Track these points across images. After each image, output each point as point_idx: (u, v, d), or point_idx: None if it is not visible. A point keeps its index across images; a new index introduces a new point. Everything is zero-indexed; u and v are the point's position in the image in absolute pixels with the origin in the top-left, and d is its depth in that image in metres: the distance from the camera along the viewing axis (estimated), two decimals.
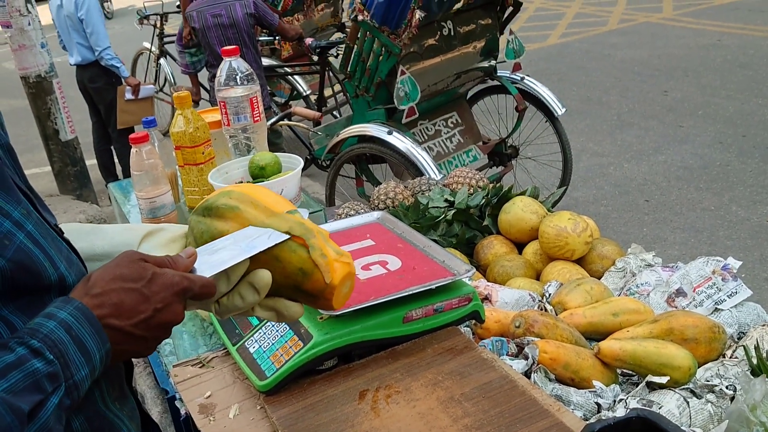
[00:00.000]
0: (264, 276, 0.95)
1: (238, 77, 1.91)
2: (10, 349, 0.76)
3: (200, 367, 1.56)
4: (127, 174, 6.20)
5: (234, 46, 1.91)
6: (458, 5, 4.30)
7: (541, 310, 1.88)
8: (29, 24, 5.49)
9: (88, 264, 1.08)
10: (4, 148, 0.93)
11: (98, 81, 5.84)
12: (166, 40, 7.33)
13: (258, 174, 1.87)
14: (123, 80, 5.90)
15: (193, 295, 0.90)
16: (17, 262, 0.83)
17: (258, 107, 1.94)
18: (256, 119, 1.95)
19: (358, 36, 4.29)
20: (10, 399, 0.72)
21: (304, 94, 6.33)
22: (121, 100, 5.86)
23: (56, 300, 0.83)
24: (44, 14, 5.89)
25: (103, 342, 0.83)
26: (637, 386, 1.60)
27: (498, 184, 2.43)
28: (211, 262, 0.93)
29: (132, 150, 1.78)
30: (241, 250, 0.93)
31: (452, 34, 4.38)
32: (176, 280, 0.88)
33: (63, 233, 0.98)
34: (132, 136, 1.76)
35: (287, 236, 0.96)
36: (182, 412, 1.83)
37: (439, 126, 4.67)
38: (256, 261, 0.95)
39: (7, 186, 0.87)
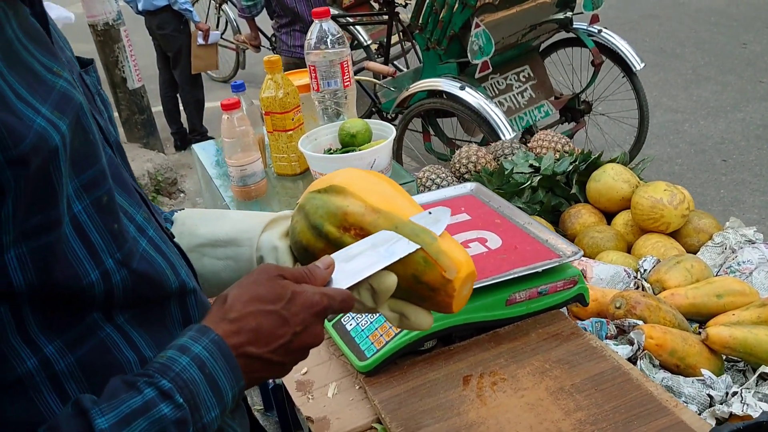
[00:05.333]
0: (386, 280, 0.87)
1: (328, 40, 1.85)
2: (138, 390, 0.70)
3: None
4: (191, 122, 6.22)
5: (325, 8, 1.84)
6: None
7: (638, 287, 1.81)
8: None
9: (210, 250, 1.04)
10: (113, 147, 0.86)
11: (167, 27, 5.82)
12: None
13: (348, 142, 1.82)
14: (194, 24, 5.89)
15: (333, 311, 0.84)
16: (141, 274, 0.78)
17: (349, 71, 1.88)
18: (346, 84, 1.89)
19: None
20: None
21: (365, 44, 6.21)
22: (194, 45, 5.87)
23: (191, 328, 0.77)
24: None
25: (238, 380, 0.77)
26: (743, 373, 1.53)
27: (587, 151, 2.34)
28: (347, 270, 0.86)
29: (223, 117, 1.74)
30: (380, 257, 0.86)
31: None
32: (316, 299, 0.81)
33: (174, 237, 0.92)
34: (223, 102, 1.73)
35: (418, 246, 0.88)
36: (270, 381, 1.84)
37: (510, 80, 4.52)
38: None
39: (128, 188, 0.81)
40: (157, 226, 0.86)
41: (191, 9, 5.79)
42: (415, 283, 0.90)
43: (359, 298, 0.88)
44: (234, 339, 0.77)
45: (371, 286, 0.87)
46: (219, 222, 1.07)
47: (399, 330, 1.35)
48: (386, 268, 0.88)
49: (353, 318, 1.45)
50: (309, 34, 1.87)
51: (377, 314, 1.41)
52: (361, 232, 0.90)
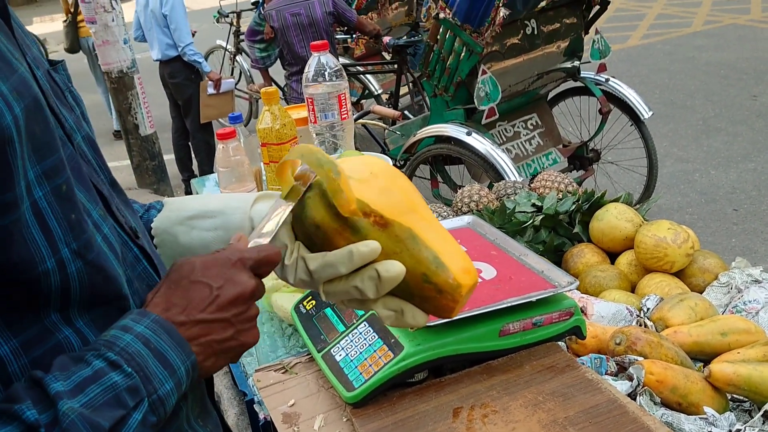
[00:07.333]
0: (394, 267, 0.83)
1: (326, 73, 1.85)
2: (85, 362, 0.71)
3: (283, 373, 1.50)
4: (202, 169, 6.27)
5: (323, 41, 1.85)
6: (542, 3, 4.17)
7: (640, 325, 1.76)
8: (113, 20, 5.60)
9: (200, 221, 1.03)
10: (85, 141, 0.87)
11: (178, 77, 5.92)
12: (241, 37, 7.41)
13: None
14: (205, 75, 5.97)
15: (255, 263, 0.83)
16: (97, 267, 0.77)
17: (346, 104, 1.88)
18: (343, 117, 1.89)
19: (439, 34, 4.20)
20: (90, 414, 0.67)
21: (376, 93, 6.29)
22: (203, 95, 5.94)
23: (131, 312, 0.78)
24: (127, 11, 6.02)
25: (187, 354, 0.77)
26: (749, 413, 1.47)
27: (590, 190, 2.31)
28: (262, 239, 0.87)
29: (218, 146, 1.74)
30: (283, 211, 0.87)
31: (536, 33, 4.25)
32: (226, 254, 0.83)
33: (138, 237, 0.91)
34: (219, 132, 1.72)
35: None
36: (261, 416, 1.78)
37: (518, 127, 4.54)
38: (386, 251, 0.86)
39: (86, 183, 0.81)
40: (113, 225, 0.85)
41: (200, 60, 5.88)
42: (423, 281, 0.87)
43: (361, 287, 0.85)
44: (166, 314, 0.78)
45: (377, 274, 0.84)
46: (209, 198, 1.08)
47: (388, 360, 1.31)
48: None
49: (343, 348, 1.41)
50: (307, 67, 1.88)
51: (367, 344, 1.38)
52: (381, 220, 0.87)
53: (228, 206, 1.04)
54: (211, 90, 5.94)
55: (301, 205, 0.91)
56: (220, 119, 6.71)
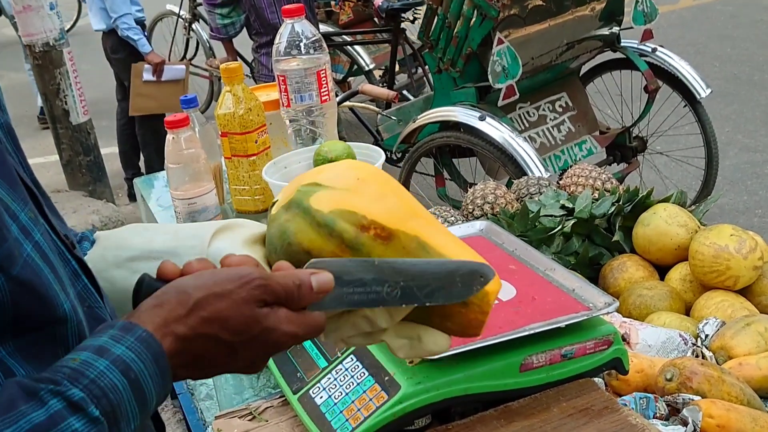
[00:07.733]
0: None
1: (302, 44, 1.87)
2: (40, 401, 0.70)
3: (250, 420, 1.52)
4: (150, 166, 6.27)
5: (299, 5, 1.87)
6: None
7: (697, 356, 1.78)
8: None
9: (145, 263, 1.02)
10: (4, 129, 0.88)
11: (120, 51, 5.92)
12: (198, 0, 7.39)
13: None
14: (144, 56, 5.91)
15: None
16: (23, 283, 0.77)
17: (327, 83, 1.89)
18: (324, 98, 1.90)
19: None
20: None
21: (367, 68, 6.31)
22: (137, 81, 5.85)
23: (114, 323, 0.78)
24: None
25: (166, 384, 0.78)
26: None
27: (634, 187, 2.33)
28: (345, 291, 0.87)
29: (168, 137, 1.75)
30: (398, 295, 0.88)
31: None
32: (282, 340, 0.84)
33: (74, 247, 0.92)
34: (168, 119, 1.73)
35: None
36: None
37: (543, 110, 4.57)
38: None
39: (13, 179, 0.81)
40: (46, 230, 0.85)
41: (135, 38, 5.82)
42: None
43: (372, 316, 0.89)
44: (171, 360, 0.79)
45: None
46: (154, 232, 1.08)
47: (381, 402, 1.32)
48: None
49: (324, 388, 1.42)
50: (278, 37, 1.90)
51: (355, 383, 1.39)
52: (383, 232, 0.91)
53: (179, 245, 1.04)
54: (148, 76, 5.86)
55: (280, 230, 0.94)
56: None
